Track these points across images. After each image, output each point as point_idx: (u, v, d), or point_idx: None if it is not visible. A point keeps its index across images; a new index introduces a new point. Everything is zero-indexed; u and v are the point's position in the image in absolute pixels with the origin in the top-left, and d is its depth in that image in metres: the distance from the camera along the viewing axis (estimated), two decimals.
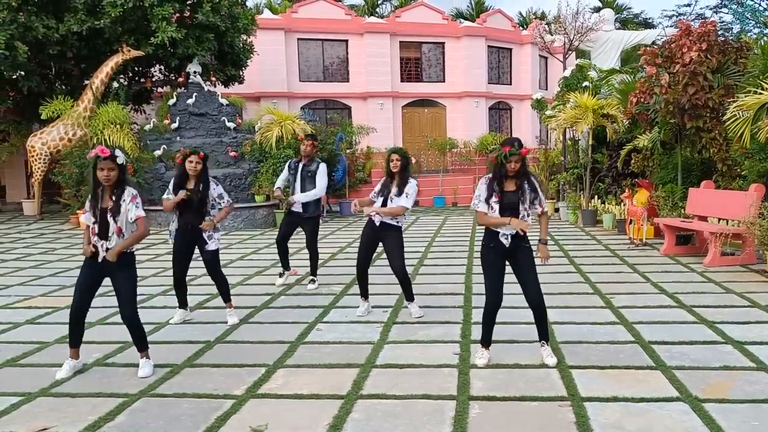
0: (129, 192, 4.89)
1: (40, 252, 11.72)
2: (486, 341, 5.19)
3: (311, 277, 8.21)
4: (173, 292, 7.98)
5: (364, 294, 6.76)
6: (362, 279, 6.70)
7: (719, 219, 10.10)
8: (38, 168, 16.35)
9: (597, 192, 15.02)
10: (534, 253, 5.11)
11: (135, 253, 5.13)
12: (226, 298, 6.62)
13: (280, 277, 8.40)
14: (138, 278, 5.15)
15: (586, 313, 6.59)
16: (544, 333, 5.16)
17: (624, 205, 12.48)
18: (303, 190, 7.82)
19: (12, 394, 4.65)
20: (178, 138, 16.94)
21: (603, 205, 14.17)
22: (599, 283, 8.07)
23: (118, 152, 4.80)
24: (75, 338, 5.07)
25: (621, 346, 5.46)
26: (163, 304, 7.38)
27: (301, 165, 7.93)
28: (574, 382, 4.63)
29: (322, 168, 7.99)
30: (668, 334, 5.73)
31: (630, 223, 11.45)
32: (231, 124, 17.64)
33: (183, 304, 6.72)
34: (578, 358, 5.16)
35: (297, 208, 7.87)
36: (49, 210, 18.17)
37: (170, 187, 6.47)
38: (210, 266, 6.53)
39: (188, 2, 17.33)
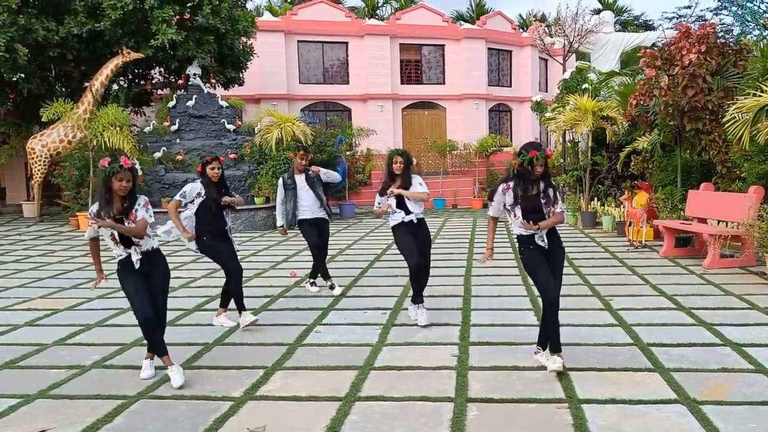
0: (143, 198, 4.96)
1: (39, 254, 11.73)
2: (555, 346, 4.90)
3: (312, 280, 8.17)
4: (173, 294, 8.01)
5: (420, 299, 6.47)
6: (421, 280, 6.46)
7: (718, 221, 10.11)
8: (38, 170, 16.36)
9: (596, 194, 15.03)
10: (565, 254, 5.15)
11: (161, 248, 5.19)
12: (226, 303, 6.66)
13: (330, 285, 8.05)
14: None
15: (585, 315, 6.59)
16: (545, 340, 5.08)
17: (623, 207, 12.49)
18: (318, 197, 7.87)
19: (11, 396, 4.65)
20: (177, 140, 16.98)
21: (602, 207, 14.18)
22: (598, 285, 8.07)
23: (136, 164, 4.85)
24: (159, 345, 4.96)
25: (619, 348, 5.46)
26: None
27: (301, 177, 7.88)
28: (572, 384, 4.63)
29: (320, 168, 8.13)
30: (667, 336, 5.73)
31: (629, 225, 11.45)
32: (231, 126, 17.67)
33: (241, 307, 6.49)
34: (576, 360, 5.14)
35: (317, 214, 7.86)
36: (48, 212, 18.19)
37: (196, 192, 6.30)
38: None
39: (188, 4, 17.37)
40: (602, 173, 15.02)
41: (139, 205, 4.87)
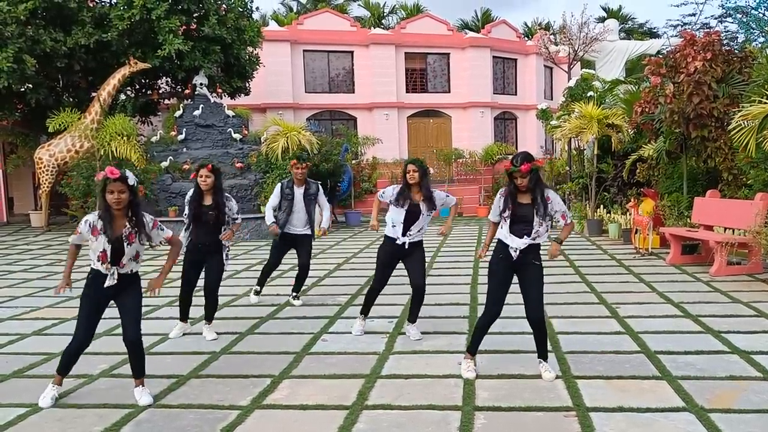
0: (149, 218, 4.72)
1: (47, 263, 11.77)
2: (473, 350, 5.17)
3: (295, 294, 7.95)
4: (178, 303, 8.03)
5: (366, 312, 6.47)
6: (371, 300, 6.41)
7: (725, 228, 10.08)
8: (45, 180, 16.44)
9: (602, 201, 15.01)
10: (543, 270, 5.05)
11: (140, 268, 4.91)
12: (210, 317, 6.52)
13: (256, 294, 8.10)
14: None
15: (592, 323, 6.58)
16: (543, 352, 5.08)
17: (629, 214, 12.47)
18: (309, 215, 7.65)
19: (19, 405, 4.67)
20: (184, 149, 17.05)
21: (608, 214, 14.16)
22: (605, 292, 8.05)
23: (128, 173, 4.56)
24: (67, 368, 4.81)
25: (626, 356, 5.45)
26: (169, 315, 7.39)
27: (300, 190, 7.64)
28: (579, 393, 4.62)
29: (321, 189, 7.87)
30: (674, 344, 5.72)
31: (636, 232, 11.43)
32: (237, 136, 17.73)
33: (185, 317, 6.56)
34: (584, 368, 5.15)
35: (298, 230, 7.66)
36: (56, 221, 18.26)
37: (186, 200, 6.34)
38: (217, 282, 6.44)
39: (195, 15, 17.49)
40: (608, 181, 15.01)
41: (147, 227, 4.64)
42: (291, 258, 8.24)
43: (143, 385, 4.77)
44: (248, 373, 5.27)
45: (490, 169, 24.41)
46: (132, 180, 4.56)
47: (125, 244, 4.58)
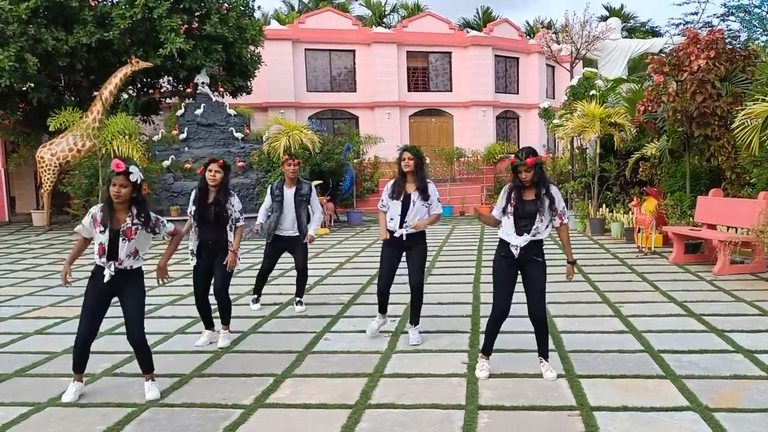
0: (152, 217, 4.69)
1: (49, 262, 11.77)
2: (486, 349, 5.14)
3: (298, 299, 7.58)
4: (182, 302, 8.03)
5: (383, 310, 6.21)
6: (384, 298, 6.15)
7: (728, 227, 10.06)
8: (47, 179, 16.44)
9: (605, 200, 14.99)
10: (545, 266, 5.05)
11: (143, 265, 4.88)
12: (226, 320, 6.22)
13: (255, 302, 7.66)
14: (146, 290, 4.96)
15: (595, 322, 6.57)
16: (544, 350, 5.06)
17: (632, 213, 12.45)
18: (299, 217, 7.30)
19: (21, 404, 4.66)
20: (186, 148, 17.06)
21: (611, 213, 14.13)
22: (608, 291, 8.04)
23: (132, 169, 4.54)
24: (80, 365, 4.79)
25: (630, 355, 5.43)
26: (172, 314, 7.39)
27: (290, 191, 7.32)
28: (583, 392, 4.61)
29: (314, 192, 7.57)
30: (678, 343, 5.70)
31: (638, 231, 11.41)
32: (239, 135, 17.73)
33: (209, 324, 6.18)
34: (587, 367, 5.13)
35: (288, 233, 7.33)
36: (58, 221, 18.26)
37: (192, 198, 6.08)
38: (223, 282, 6.12)
39: (196, 14, 17.50)
40: (610, 180, 14.99)
41: (143, 223, 4.60)
42: (287, 259, 8.16)
43: (153, 380, 4.82)
44: (251, 372, 5.26)
45: (492, 169, 24.42)
46: (135, 176, 4.57)
47: (121, 239, 4.60)
